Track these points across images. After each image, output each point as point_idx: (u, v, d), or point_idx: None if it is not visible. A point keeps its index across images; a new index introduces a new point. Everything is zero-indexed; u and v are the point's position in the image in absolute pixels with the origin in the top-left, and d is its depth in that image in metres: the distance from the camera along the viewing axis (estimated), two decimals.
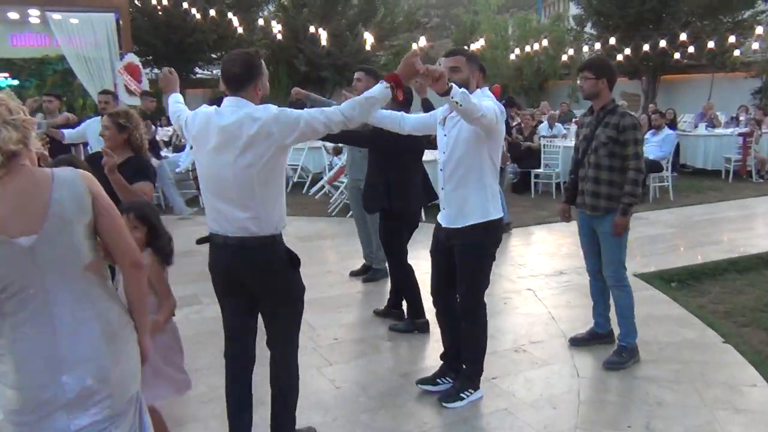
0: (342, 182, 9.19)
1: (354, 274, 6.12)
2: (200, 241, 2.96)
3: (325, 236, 7.91)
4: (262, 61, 2.86)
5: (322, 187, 10.31)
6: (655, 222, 8.36)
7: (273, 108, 2.74)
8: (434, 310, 3.87)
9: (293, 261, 2.93)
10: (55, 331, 1.91)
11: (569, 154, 10.32)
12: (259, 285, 2.90)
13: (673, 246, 7.17)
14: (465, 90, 3.04)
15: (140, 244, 2.68)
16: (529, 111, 13.64)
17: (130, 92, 12.97)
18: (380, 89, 2.78)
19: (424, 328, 4.69)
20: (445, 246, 3.59)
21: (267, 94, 2.87)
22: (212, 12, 16.17)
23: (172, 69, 3.43)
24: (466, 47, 19.95)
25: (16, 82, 17.51)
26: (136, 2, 17.53)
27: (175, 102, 3.17)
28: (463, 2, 29.28)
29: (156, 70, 20.47)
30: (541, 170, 10.60)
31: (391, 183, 4.58)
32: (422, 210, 6.26)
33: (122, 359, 2.04)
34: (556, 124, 12.47)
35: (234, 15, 16.93)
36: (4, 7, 15.23)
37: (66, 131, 6.43)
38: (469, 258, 3.52)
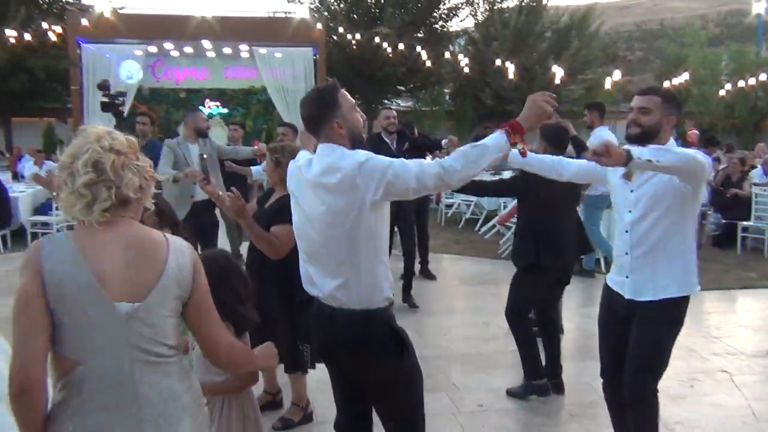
0: (515, 222, 8.63)
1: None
2: (301, 302, 2.61)
3: (488, 281, 7.38)
4: (341, 92, 2.38)
5: (494, 225, 9.81)
6: None
7: (360, 154, 2.29)
8: (603, 395, 3.22)
9: (400, 346, 2.38)
10: (142, 417, 1.67)
11: None
12: (354, 370, 2.46)
13: None
14: (655, 146, 2.52)
15: None
16: (739, 153, 11.97)
17: None
18: (496, 137, 2.23)
19: (544, 391, 4.11)
20: (623, 319, 2.97)
21: (358, 128, 2.41)
22: (401, 46, 16.48)
23: None
24: (667, 82, 18.40)
25: (225, 111, 19.26)
26: (333, 37, 18.45)
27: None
28: (669, 34, 27.08)
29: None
30: (750, 222, 9.17)
31: (540, 233, 4.04)
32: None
33: None
34: None
35: (422, 48, 17.14)
36: (220, 43, 16.83)
37: (254, 168, 6.39)
38: (656, 336, 2.89)
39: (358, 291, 2.33)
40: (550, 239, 4.03)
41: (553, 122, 4.21)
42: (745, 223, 9.17)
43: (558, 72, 14.79)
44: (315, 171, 2.36)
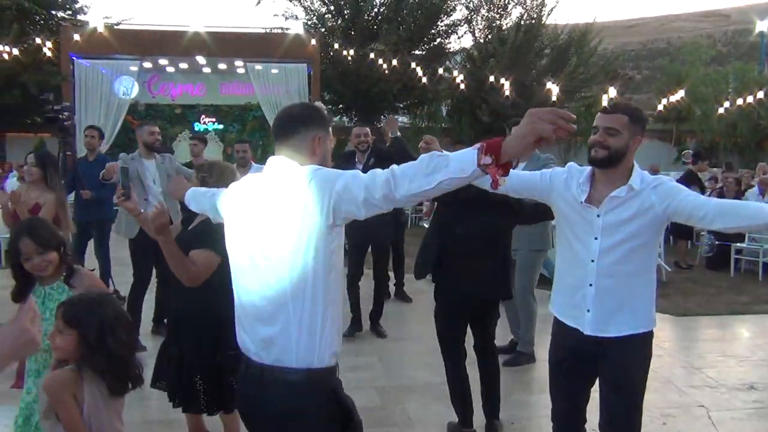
0: None
1: (501, 351, 5.08)
2: (227, 360, 2.22)
3: None
4: (330, 121, 2.17)
5: None
6: None
7: (310, 169, 1.94)
8: None
9: (345, 418, 1.99)
10: None
11: None
12: None
13: None
14: None
15: (68, 355, 2.12)
16: (737, 173, 11.70)
17: None
18: (463, 153, 1.71)
19: None
20: (582, 357, 2.68)
21: (327, 164, 2.07)
22: (394, 62, 16.35)
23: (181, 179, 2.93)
24: (665, 100, 18.14)
25: (221, 127, 19.14)
26: (330, 52, 18.36)
27: (200, 193, 2.57)
28: (671, 52, 26.91)
29: (345, 118, 21.27)
30: (744, 245, 8.87)
31: (450, 246, 3.61)
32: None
33: None
34: None
35: (419, 65, 17.00)
36: (215, 59, 16.78)
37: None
38: (633, 381, 2.65)
39: (298, 342, 1.92)
40: (456, 261, 3.57)
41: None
42: (739, 245, 8.88)
43: (553, 89, 14.60)
44: (260, 189, 2.03)
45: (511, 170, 2.85)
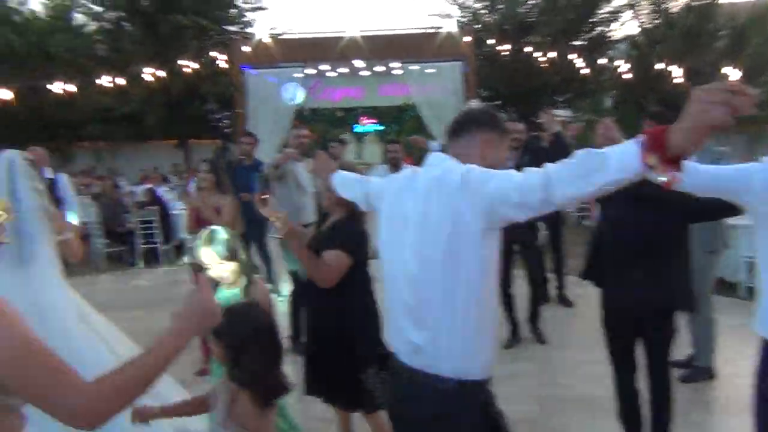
0: None
1: (677, 364, 4.55)
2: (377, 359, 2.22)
3: None
4: (505, 126, 2.09)
5: None
6: None
7: (464, 168, 1.87)
8: None
9: None
10: None
11: None
12: None
13: None
14: None
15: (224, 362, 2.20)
16: None
17: None
18: (623, 149, 1.51)
19: None
20: None
21: (497, 168, 1.92)
22: (552, 54, 15.78)
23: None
24: None
25: (382, 127, 19.67)
26: (483, 48, 18.14)
27: (351, 179, 2.56)
28: None
29: (503, 115, 20.86)
30: None
31: (607, 244, 3.35)
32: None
33: None
34: None
35: (579, 56, 16.26)
36: (373, 61, 17.24)
37: None
38: None
39: (448, 350, 1.85)
40: (617, 265, 3.21)
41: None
42: None
43: (732, 75, 13.23)
44: (418, 184, 1.97)
45: (691, 166, 2.41)
